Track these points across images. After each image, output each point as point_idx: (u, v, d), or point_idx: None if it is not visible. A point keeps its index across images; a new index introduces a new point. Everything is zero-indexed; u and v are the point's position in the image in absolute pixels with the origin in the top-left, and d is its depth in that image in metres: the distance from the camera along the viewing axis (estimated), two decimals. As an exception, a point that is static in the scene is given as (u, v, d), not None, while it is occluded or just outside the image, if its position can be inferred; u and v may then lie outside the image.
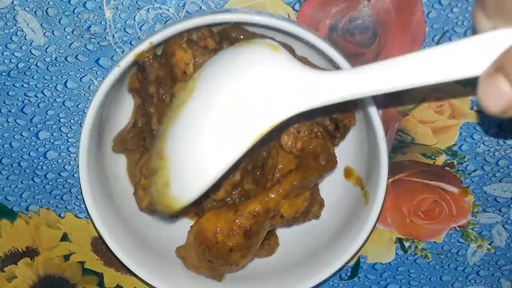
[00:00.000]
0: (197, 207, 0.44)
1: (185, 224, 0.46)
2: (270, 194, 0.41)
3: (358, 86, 0.30)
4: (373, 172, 0.42)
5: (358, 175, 0.45)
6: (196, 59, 0.39)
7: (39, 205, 0.49)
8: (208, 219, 0.42)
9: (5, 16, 0.44)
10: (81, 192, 0.42)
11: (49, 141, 0.47)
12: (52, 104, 0.46)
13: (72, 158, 0.48)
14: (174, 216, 0.46)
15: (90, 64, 0.45)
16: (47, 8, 0.44)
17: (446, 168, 0.47)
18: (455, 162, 0.47)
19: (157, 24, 0.44)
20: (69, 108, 0.46)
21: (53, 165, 0.48)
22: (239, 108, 0.32)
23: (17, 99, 0.46)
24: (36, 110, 0.47)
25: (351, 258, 0.44)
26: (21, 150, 0.48)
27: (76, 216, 0.49)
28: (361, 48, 0.45)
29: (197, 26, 0.38)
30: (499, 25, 0.27)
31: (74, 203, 0.49)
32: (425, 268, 0.50)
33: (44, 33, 0.45)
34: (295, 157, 0.43)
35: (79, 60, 0.45)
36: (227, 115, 0.32)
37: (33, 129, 0.47)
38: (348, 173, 0.46)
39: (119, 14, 0.44)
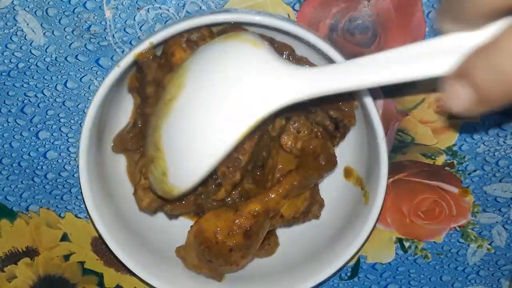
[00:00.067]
0: (197, 207, 0.44)
1: (185, 224, 0.46)
2: (270, 194, 0.41)
3: (337, 81, 0.32)
4: (373, 172, 0.42)
5: (358, 175, 0.45)
6: None
7: (39, 205, 0.49)
8: (208, 219, 0.42)
9: (5, 16, 0.44)
10: (81, 192, 0.42)
11: (49, 141, 0.47)
12: (52, 104, 0.46)
13: (72, 158, 0.48)
14: (173, 217, 0.46)
15: (90, 64, 0.45)
16: (47, 8, 0.44)
17: (446, 168, 0.47)
18: (455, 162, 0.47)
19: (157, 24, 0.44)
20: (69, 108, 0.47)
21: (53, 165, 0.48)
22: (227, 102, 0.33)
23: (17, 99, 0.46)
24: (36, 110, 0.47)
25: (351, 258, 0.44)
26: (21, 150, 0.48)
27: (76, 216, 0.49)
28: (361, 48, 0.45)
29: (197, 26, 0.38)
30: (461, 28, 0.28)
31: (74, 203, 0.49)
32: (425, 268, 0.50)
33: (44, 33, 0.45)
34: (295, 157, 0.43)
35: (79, 60, 0.45)
36: (217, 108, 0.34)
37: (33, 129, 0.47)
38: (348, 173, 0.46)
39: (119, 14, 0.44)
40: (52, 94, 0.46)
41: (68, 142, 0.47)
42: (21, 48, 0.45)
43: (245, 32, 0.37)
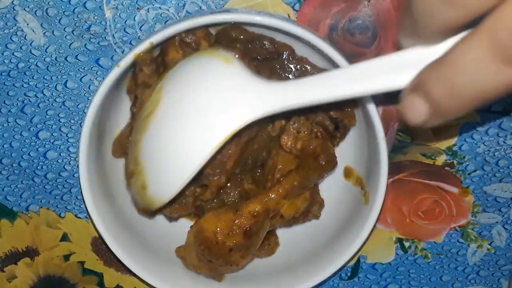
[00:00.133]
0: (196, 209, 0.44)
1: (185, 224, 0.46)
2: (270, 194, 0.41)
3: (302, 95, 0.34)
4: (373, 172, 0.42)
5: (358, 175, 0.45)
6: None
7: (39, 205, 0.49)
8: (208, 219, 0.42)
9: (5, 16, 0.44)
10: (81, 192, 0.42)
11: (49, 141, 0.47)
12: (52, 104, 0.46)
13: (72, 158, 0.48)
14: (173, 219, 0.46)
15: (90, 64, 0.45)
16: (47, 8, 0.44)
17: (446, 168, 0.47)
18: (455, 162, 0.47)
19: (157, 24, 0.44)
20: (69, 108, 0.47)
21: (53, 165, 0.48)
22: (200, 117, 0.35)
23: (17, 99, 0.46)
24: (36, 110, 0.47)
25: (351, 258, 0.44)
26: (21, 150, 0.48)
27: (76, 216, 0.49)
28: (361, 48, 0.45)
29: (197, 26, 0.38)
30: (419, 43, 0.30)
31: (74, 203, 0.49)
32: (425, 268, 0.50)
33: (44, 33, 0.45)
34: (295, 157, 0.43)
35: (79, 60, 0.45)
36: (190, 123, 0.36)
37: (33, 129, 0.47)
38: (348, 173, 0.46)
39: (119, 14, 0.44)
40: (52, 94, 0.46)
41: (68, 142, 0.47)
42: (21, 48, 0.45)
43: (217, 48, 0.39)
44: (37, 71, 0.46)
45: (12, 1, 0.44)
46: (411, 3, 0.27)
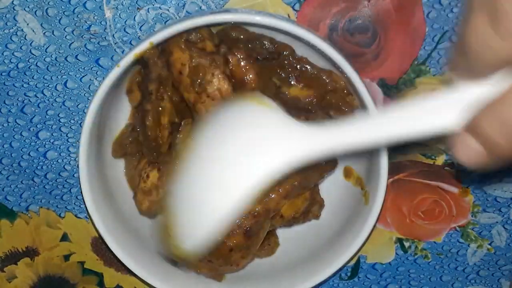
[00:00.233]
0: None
1: (185, 224, 0.46)
2: (271, 194, 0.41)
3: (348, 140, 0.32)
4: (373, 172, 0.42)
5: (358, 175, 0.45)
6: (193, 60, 0.39)
7: (39, 205, 0.49)
8: None
9: (5, 16, 0.44)
10: (81, 192, 0.42)
11: (49, 141, 0.47)
12: (52, 104, 0.46)
13: (72, 158, 0.48)
14: None
15: (90, 64, 0.45)
16: (47, 8, 0.44)
17: (446, 168, 0.47)
18: (455, 162, 0.47)
19: (157, 24, 0.44)
20: (69, 108, 0.47)
21: (53, 165, 0.48)
22: (234, 163, 0.34)
23: (17, 99, 0.46)
24: (36, 110, 0.47)
25: (351, 258, 0.44)
26: (21, 150, 0.48)
27: (76, 216, 0.49)
28: (361, 48, 0.45)
29: (197, 26, 0.38)
30: (471, 79, 0.28)
31: (74, 203, 0.49)
32: (425, 268, 0.50)
33: (44, 33, 0.45)
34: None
35: (79, 60, 0.45)
36: (226, 170, 0.34)
37: (33, 129, 0.47)
38: (348, 173, 0.46)
39: (119, 14, 0.44)
40: (52, 94, 0.46)
41: (68, 142, 0.47)
42: (21, 48, 0.45)
43: (252, 93, 0.38)
44: (37, 71, 0.46)
45: (12, 1, 0.44)
46: (464, 35, 0.26)
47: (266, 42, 0.41)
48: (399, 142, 0.30)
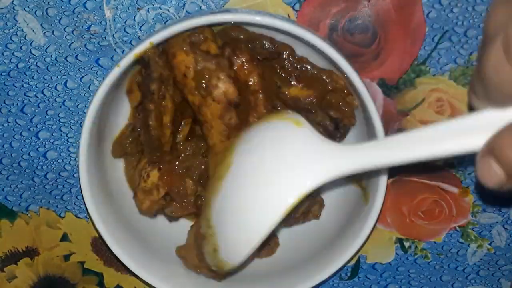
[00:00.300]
0: (197, 209, 0.44)
1: (185, 224, 0.46)
2: None
3: (375, 159, 0.34)
4: (373, 172, 0.42)
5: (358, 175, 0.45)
6: (197, 64, 0.39)
7: (39, 205, 0.49)
8: None
9: (5, 16, 0.44)
10: (81, 192, 0.42)
11: (49, 141, 0.47)
12: (52, 104, 0.46)
13: (72, 158, 0.48)
14: (174, 219, 0.46)
15: (90, 64, 0.45)
16: (47, 8, 0.44)
17: (446, 168, 0.47)
18: (455, 162, 0.47)
19: (157, 24, 0.44)
20: (69, 108, 0.47)
21: (53, 165, 0.48)
22: (272, 180, 0.35)
23: (17, 99, 0.46)
24: (36, 110, 0.47)
25: (351, 258, 0.44)
26: (21, 150, 0.48)
27: (76, 216, 0.49)
28: (361, 48, 0.45)
29: (198, 26, 0.38)
30: (492, 106, 0.29)
31: (74, 203, 0.49)
32: (425, 268, 0.50)
33: (44, 33, 0.45)
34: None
35: (79, 60, 0.45)
36: (262, 186, 0.36)
37: (33, 129, 0.47)
38: (348, 173, 0.46)
39: (119, 14, 0.44)
40: (52, 94, 0.46)
41: (68, 142, 0.47)
42: (21, 48, 0.45)
43: (286, 112, 0.39)
44: (37, 71, 0.46)
45: (12, 1, 0.44)
46: (481, 66, 0.27)
47: (266, 42, 0.41)
48: (423, 160, 0.32)
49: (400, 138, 0.33)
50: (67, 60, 0.45)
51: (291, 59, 0.42)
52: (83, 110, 0.46)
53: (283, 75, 0.42)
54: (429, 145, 0.31)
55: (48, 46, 0.45)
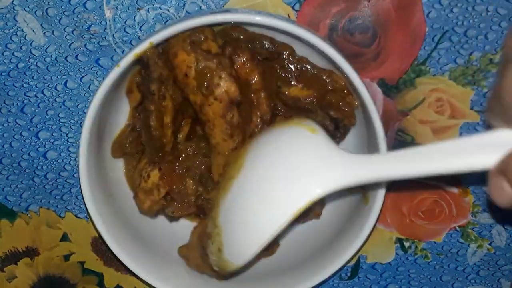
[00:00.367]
0: (197, 209, 0.44)
1: (186, 224, 0.46)
2: None
3: (387, 171, 0.34)
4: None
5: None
6: (199, 63, 0.39)
7: (39, 205, 0.49)
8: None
9: (5, 16, 0.44)
10: (81, 192, 0.42)
11: (49, 141, 0.47)
12: (52, 104, 0.46)
13: (72, 158, 0.48)
14: (174, 219, 0.46)
15: (90, 64, 0.45)
16: (47, 8, 0.44)
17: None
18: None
19: (157, 24, 0.44)
20: (69, 108, 0.47)
21: (53, 165, 0.48)
22: (282, 183, 0.36)
23: (17, 99, 0.46)
24: (36, 110, 0.47)
25: (351, 258, 0.44)
26: (21, 150, 0.48)
27: (76, 216, 0.49)
28: (361, 48, 0.45)
29: (198, 26, 0.38)
30: (506, 126, 0.30)
31: (74, 203, 0.49)
32: (425, 268, 0.50)
33: (44, 33, 0.45)
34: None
35: (79, 60, 0.45)
36: (271, 189, 0.36)
37: (33, 129, 0.47)
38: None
39: (119, 14, 0.44)
40: (52, 94, 0.46)
41: (68, 142, 0.47)
42: (21, 48, 0.45)
43: (302, 118, 0.39)
44: (37, 71, 0.46)
45: (12, 1, 0.44)
46: (499, 85, 0.27)
47: (266, 42, 0.41)
48: (435, 175, 0.32)
49: (412, 152, 0.33)
50: (67, 60, 0.45)
51: (291, 59, 0.42)
52: (83, 110, 0.46)
53: (283, 75, 0.42)
54: (442, 161, 0.32)
55: (48, 46, 0.45)
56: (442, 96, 0.45)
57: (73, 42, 0.45)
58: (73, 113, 0.47)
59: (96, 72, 0.45)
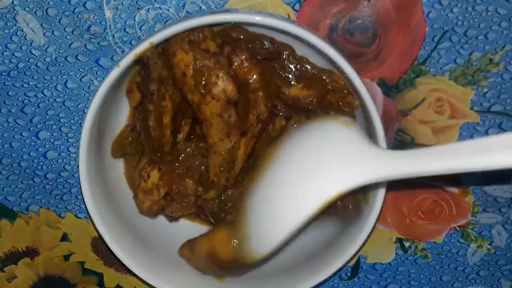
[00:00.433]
0: (197, 209, 0.44)
1: (186, 224, 0.46)
2: None
3: (419, 167, 0.34)
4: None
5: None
6: (197, 62, 0.39)
7: (39, 205, 0.49)
8: (220, 239, 0.42)
9: (5, 16, 0.44)
10: (81, 192, 0.42)
11: (49, 141, 0.47)
12: (52, 104, 0.46)
13: (72, 158, 0.48)
14: (174, 219, 0.46)
15: (90, 64, 0.45)
16: (47, 8, 0.44)
17: (446, 168, 0.47)
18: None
19: (157, 24, 0.44)
20: (69, 108, 0.47)
21: (53, 165, 0.48)
22: (313, 175, 0.36)
23: (17, 99, 0.46)
24: (36, 110, 0.47)
25: (351, 258, 0.44)
26: (21, 150, 0.48)
27: (76, 216, 0.49)
28: (361, 48, 0.45)
29: (197, 26, 0.38)
30: None
31: (74, 203, 0.49)
32: (425, 268, 0.50)
33: (44, 33, 0.45)
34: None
35: (79, 60, 0.45)
36: (301, 180, 0.36)
37: (33, 129, 0.47)
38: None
39: (119, 14, 0.44)
40: (52, 94, 0.46)
41: (68, 142, 0.47)
42: (21, 48, 0.45)
43: (340, 115, 0.40)
44: (37, 71, 0.46)
45: (12, 1, 0.44)
46: None
47: (266, 42, 0.41)
48: (464, 172, 0.32)
49: (446, 148, 0.33)
50: (67, 60, 0.45)
51: (291, 59, 0.42)
52: (83, 110, 0.46)
53: (283, 75, 0.42)
54: (475, 157, 0.32)
55: (48, 46, 0.45)
56: (442, 96, 0.45)
57: (73, 42, 0.45)
58: (73, 113, 0.47)
59: (96, 72, 0.45)
